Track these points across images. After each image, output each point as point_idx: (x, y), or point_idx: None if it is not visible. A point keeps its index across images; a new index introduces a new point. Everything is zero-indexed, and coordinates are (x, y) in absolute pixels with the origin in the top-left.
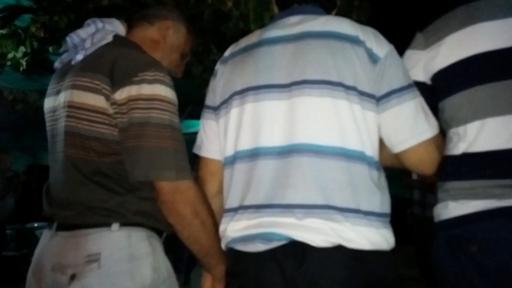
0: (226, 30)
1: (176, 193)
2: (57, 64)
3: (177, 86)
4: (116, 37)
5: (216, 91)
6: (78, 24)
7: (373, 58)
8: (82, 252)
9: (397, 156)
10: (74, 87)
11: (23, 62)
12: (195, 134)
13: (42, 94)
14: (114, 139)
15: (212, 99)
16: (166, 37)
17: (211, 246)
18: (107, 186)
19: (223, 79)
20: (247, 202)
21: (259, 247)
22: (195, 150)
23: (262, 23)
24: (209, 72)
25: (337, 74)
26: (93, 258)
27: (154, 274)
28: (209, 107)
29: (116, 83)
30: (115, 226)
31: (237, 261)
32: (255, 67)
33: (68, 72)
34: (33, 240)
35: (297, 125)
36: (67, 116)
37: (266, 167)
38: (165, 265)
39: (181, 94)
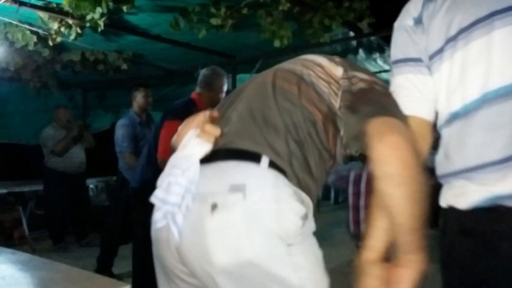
0: None
1: (402, 134)
2: None
3: (245, 41)
4: None
5: (428, 35)
6: None
7: None
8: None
9: None
10: None
11: (101, 23)
12: None
13: (120, 54)
14: None
15: (416, 47)
16: None
17: (423, 216)
18: None
19: (439, 18)
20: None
21: None
22: None
23: None
24: (278, 24)
25: None
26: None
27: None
28: (412, 60)
29: None
30: None
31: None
32: None
33: None
34: None
35: None
36: None
37: None
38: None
39: (250, 48)
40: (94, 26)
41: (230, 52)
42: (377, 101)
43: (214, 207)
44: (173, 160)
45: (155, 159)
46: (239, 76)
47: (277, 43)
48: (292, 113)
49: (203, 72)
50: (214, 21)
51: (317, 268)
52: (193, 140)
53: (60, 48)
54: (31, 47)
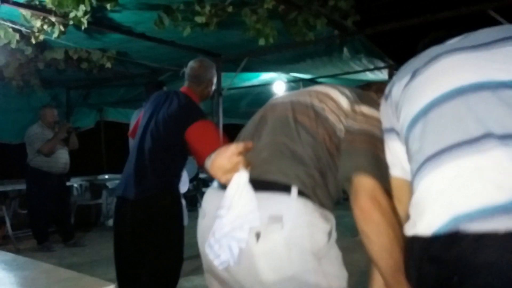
0: None
1: (372, 196)
2: None
3: (230, 39)
4: None
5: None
6: None
7: None
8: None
9: None
10: None
11: (84, 20)
12: (249, 87)
13: (105, 52)
14: None
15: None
16: None
17: (401, 260)
18: None
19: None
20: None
21: (500, 225)
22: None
23: None
24: (263, 22)
25: None
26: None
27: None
28: (390, 130)
29: None
30: None
31: (453, 244)
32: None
33: None
34: (106, 191)
35: None
36: None
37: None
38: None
39: (235, 47)
40: (77, 24)
41: (215, 51)
42: (367, 153)
43: (257, 235)
44: (239, 207)
45: (154, 169)
46: (225, 75)
47: (262, 42)
48: (314, 147)
49: (190, 64)
50: (199, 19)
51: (339, 268)
52: (251, 191)
53: (43, 46)
54: (13, 45)
